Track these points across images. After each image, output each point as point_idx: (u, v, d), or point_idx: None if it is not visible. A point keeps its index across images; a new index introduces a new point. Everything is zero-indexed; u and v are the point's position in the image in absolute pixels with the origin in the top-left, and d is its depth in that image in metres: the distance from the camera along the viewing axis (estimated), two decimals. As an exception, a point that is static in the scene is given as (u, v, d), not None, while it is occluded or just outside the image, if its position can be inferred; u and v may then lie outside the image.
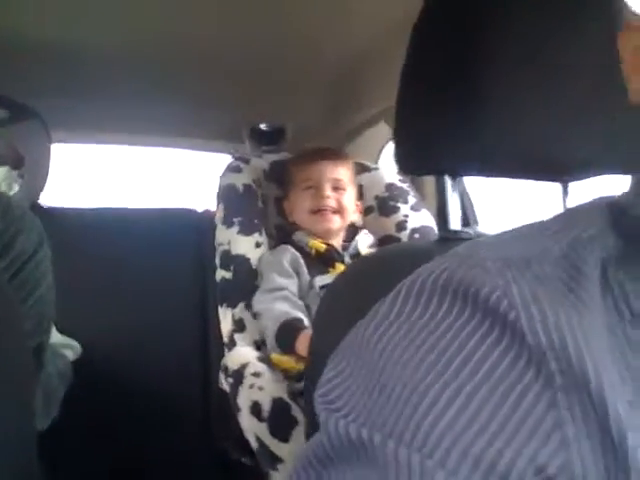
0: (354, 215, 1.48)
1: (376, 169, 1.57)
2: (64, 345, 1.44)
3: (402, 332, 0.37)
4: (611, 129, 0.63)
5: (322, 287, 1.33)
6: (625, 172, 0.66)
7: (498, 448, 0.31)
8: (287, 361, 1.23)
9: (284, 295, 1.31)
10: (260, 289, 1.35)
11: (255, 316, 1.33)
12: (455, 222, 0.75)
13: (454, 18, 0.64)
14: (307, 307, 1.32)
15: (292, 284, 1.35)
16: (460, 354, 0.34)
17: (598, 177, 0.72)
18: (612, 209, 0.41)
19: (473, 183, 1.61)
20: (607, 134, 0.64)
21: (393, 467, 0.32)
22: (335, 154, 1.50)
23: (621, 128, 0.62)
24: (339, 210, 1.43)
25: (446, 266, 0.38)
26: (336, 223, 1.43)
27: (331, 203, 1.42)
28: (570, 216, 0.43)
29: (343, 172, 1.47)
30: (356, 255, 1.39)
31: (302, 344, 1.18)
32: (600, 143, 0.65)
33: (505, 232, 0.44)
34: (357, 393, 0.36)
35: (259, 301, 1.33)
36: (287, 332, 1.24)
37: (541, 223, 0.43)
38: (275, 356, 1.24)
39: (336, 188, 1.44)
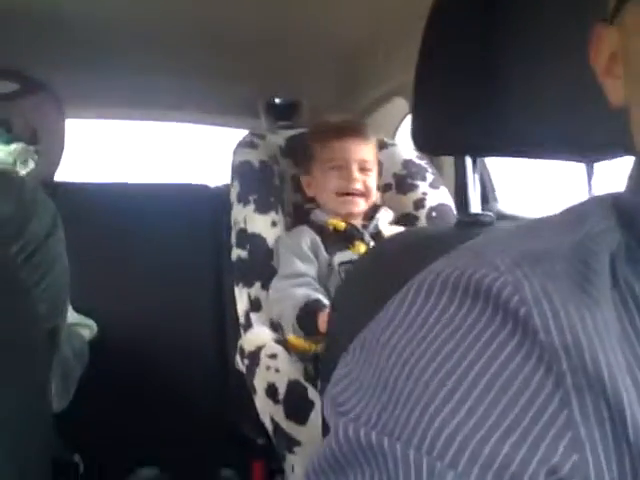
0: (377, 194, 1.45)
1: (393, 145, 1.54)
2: (80, 324, 1.44)
3: (411, 332, 0.37)
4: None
5: (341, 264, 1.31)
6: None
7: (510, 448, 0.31)
8: (304, 343, 1.22)
9: (305, 282, 1.29)
10: (279, 274, 1.32)
11: (273, 302, 1.31)
12: (475, 204, 0.73)
13: None
14: (327, 290, 1.29)
15: (312, 269, 1.32)
16: (470, 352, 0.34)
17: (623, 157, 0.70)
18: (616, 205, 0.41)
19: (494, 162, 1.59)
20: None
21: (402, 470, 0.31)
22: (361, 131, 1.43)
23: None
24: (365, 193, 1.39)
25: (456, 264, 0.38)
26: (361, 206, 1.39)
27: (358, 186, 1.38)
28: (579, 211, 0.42)
29: (369, 151, 1.42)
30: (377, 233, 1.37)
31: (323, 321, 1.16)
32: (621, 124, 0.63)
33: (515, 227, 0.44)
34: (366, 395, 0.36)
35: (278, 288, 1.30)
36: (309, 313, 1.22)
37: (551, 218, 0.43)
38: (292, 338, 1.23)
39: (363, 169, 1.39)
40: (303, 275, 1.30)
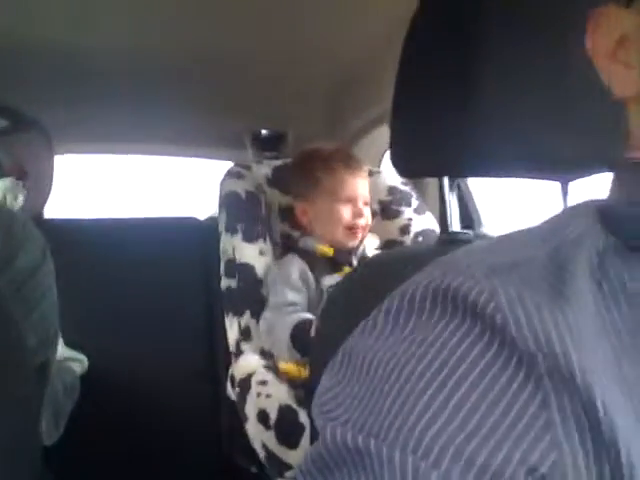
0: None
1: (378, 172, 1.57)
2: (71, 359, 1.44)
3: (395, 341, 0.38)
4: (605, 126, 0.63)
5: (330, 287, 1.32)
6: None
7: (491, 449, 0.32)
8: (294, 369, 1.22)
9: (295, 310, 1.30)
10: (270, 304, 1.33)
11: (264, 333, 1.31)
12: (455, 223, 0.75)
13: (449, 20, 0.64)
14: None
15: (302, 298, 1.34)
16: (451, 359, 0.35)
17: (597, 175, 0.72)
18: (601, 212, 0.42)
19: (478, 185, 1.61)
20: (602, 132, 0.64)
21: (387, 471, 0.32)
22: (362, 167, 1.48)
23: (610, 125, 0.62)
24: (365, 228, 1.44)
25: (434, 276, 0.39)
26: (359, 239, 1.43)
27: (363, 222, 1.42)
28: (557, 221, 0.44)
29: (368, 187, 1.47)
30: (363, 259, 1.39)
31: None
32: (598, 141, 0.65)
33: (494, 239, 0.45)
34: (354, 402, 0.37)
35: (268, 319, 1.32)
36: (302, 332, 1.23)
37: (530, 230, 0.44)
38: (282, 364, 1.24)
39: (365, 203, 1.44)
40: (294, 304, 1.31)
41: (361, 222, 1.41)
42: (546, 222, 0.44)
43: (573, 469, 0.31)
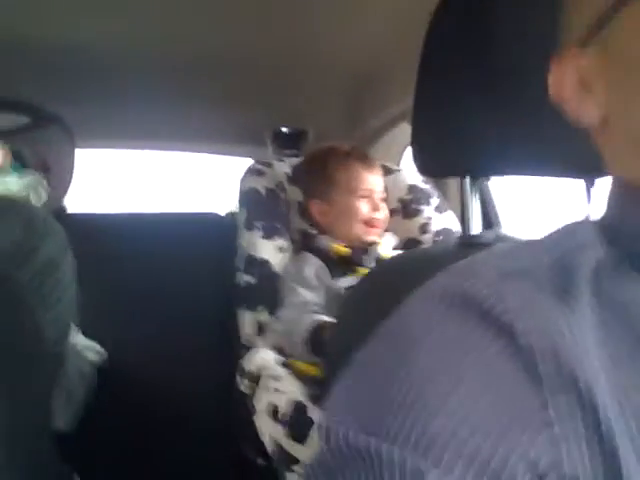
0: None
1: (398, 171, 1.56)
2: (87, 347, 1.45)
3: (401, 344, 0.39)
4: None
5: (347, 289, 1.31)
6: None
7: (491, 447, 0.33)
8: (309, 368, 1.22)
9: (311, 309, 1.30)
10: (286, 303, 1.33)
11: (281, 333, 1.32)
12: (476, 225, 0.74)
13: (471, 16, 0.63)
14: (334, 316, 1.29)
15: (318, 297, 1.34)
16: (453, 357, 0.36)
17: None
18: (600, 223, 0.45)
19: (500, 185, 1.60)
20: None
21: (388, 469, 0.33)
22: (376, 164, 1.49)
23: None
24: (384, 222, 1.44)
25: (445, 282, 0.41)
26: (379, 235, 1.44)
27: (380, 216, 1.43)
28: (563, 232, 0.46)
29: (382, 184, 1.47)
30: (379, 258, 1.38)
31: None
32: None
33: (506, 247, 0.47)
34: (359, 405, 0.38)
35: (284, 319, 1.32)
36: (318, 334, 1.22)
37: (538, 239, 0.46)
38: (298, 362, 1.23)
39: (381, 199, 1.45)
40: (308, 304, 1.31)
41: (379, 216, 1.42)
42: (555, 232, 0.46)
43: (570, 465, 0.32)
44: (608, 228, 0.43)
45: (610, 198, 0.45)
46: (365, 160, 1.46)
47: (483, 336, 0.36)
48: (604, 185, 0.73)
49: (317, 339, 1.21)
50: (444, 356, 0.36)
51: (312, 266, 1.36)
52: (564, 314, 0.37)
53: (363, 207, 1.42)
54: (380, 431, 0.35)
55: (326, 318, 1.26)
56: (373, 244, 1.41)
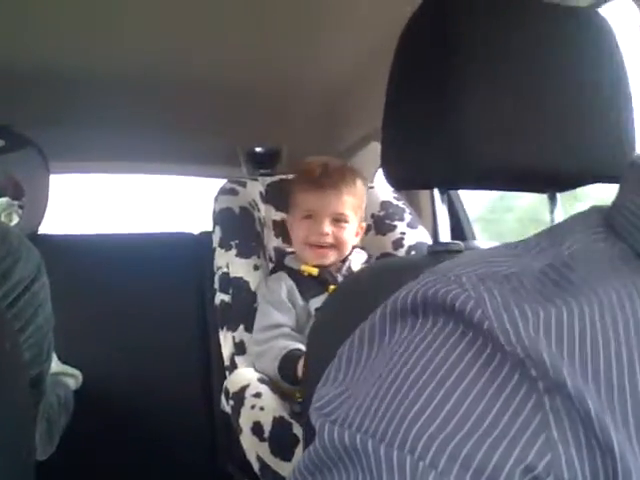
0: (355, 241, 1.42)
1: (371, 187, 1.58)
2: (65, 374, 1.44)
3: (389, 348, 0.39)
4: (587, 140, 0.65)
5: (317, 309, 1.32)
6: (607, 181, 0.68)
7: (487, 449, 0.32)
8: (287, 388, 1.22)
9: (283, 332, 1.29)
10: (257, 326, 1.33)
11: (253, 357, 1.31)
12: (445, 235, 0.76)
13: (433, 38, 0.65)
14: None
15: (290, 319, 1.32)
16: (446, 363, 0.36)
17: (583, 187, 0.73)
18: (609, 219, 0.44)
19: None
20: (587, 146, 0.65)
21: (385, 470, 0.33)
22: (341, 180, 1.37)
23: (591, 140, 0.64)
24: (336, 245, 1.36)
25: (424, 284, 0.40)
26: (331, 258, 1.37)
27: (328, 240, 1.35)
28: (554, 233, 0.45)
29: (348, 201, 1.37)
30: (349, 275, 1.38)
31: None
32: (583, 155, 0.66)
33: (489, 249, 0.46)
34: (353, 405, 0.37)
35: (258, 341, 1.30)
36: (288, 363, 1.22)
37: (527, 241, 0.45)
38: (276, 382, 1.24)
39: (337, 221, 1.36)
40: (281, 326, 1.30)
41: (326, 240, 1.35)
42: (547, 231, 0.46)
43: (567, 469, 0.32)
44: (621, 224, 0.42)
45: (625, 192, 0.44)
46: (321, 180, 1.36)
47: (470, 343, 0.36)
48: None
49: (287, 368, 1.21)
50: (434, 366, 0.36)
51: (284, 286, 1.35)
52: (549, 314, 0.36)
53: (303, 229, 1.37)
54: (376, 432, 0.34)
55: (297, 345, 1.26)
56: (327, 266, 1.37)
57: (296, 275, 1.38)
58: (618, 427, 0.33)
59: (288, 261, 1.43)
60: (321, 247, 1.36)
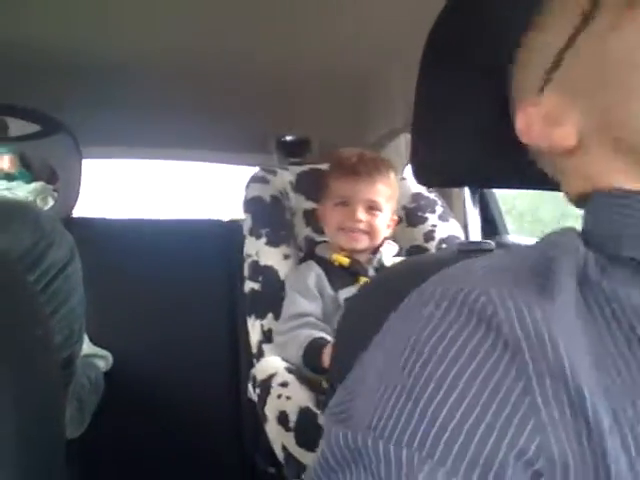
0: (387, 232, 1.43)
1: (403, 179, 1.57)
2: (96, 355, 1.46)
3: (395, 343, 0.41)
4: None
5: (346, 300, 1.31)
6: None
7: (480, 436, 0.34)
8: (314, 376, 1.22)
9: (308, 322, 1.29)
10: (283, 315, 1.33)
11: (278, 346, 1.32)
12: (476, 233, 0.75)
13: (468, 29, 0.64)
14: (334, 328, 1.28)
15: (317, 307, 1.33)
16: (448, 354, 0.37)
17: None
18: (584, 235, 0.47)
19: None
20: None
21: (384, 464, 0.34)
22: (375, 170, 1.40)
23: None
24: (369, 232, 1.38)
25: (435, 282, 0.43)
26: (364, 243, 1.39)
27: (361, 226, 1.37)
28: (546, 239, 0.48)
29: (382, 190, 1.39)
30: (380, 267, 1.38)
31: (327, 356, 1.17)
32: None
33: (495, 253, 0.51)
34: (361, 407, 0.39)
35: (282, 331, 1.31)
36: (312, 351, 1.22)
37: (526, 245, 0.50)
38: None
39: (371, 208, 1.38)
40: (307, 315, 1.30)
41: (359, 226, 1.37)
42: (543, 240, 0.49)
43: (558, 450, 0.33)
44: (592, 239, 0.45)
45: (589, 216, 0.48)
46: (356, 168, 1.39)
47: (474, 332, 0.38)
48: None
49: (312, 356, 1.22)
50: (440, 356, 0.37)
51: (313, 275, 1.36)
52: (548, 305, 0.38)
53: (337, 215, 1.39)
54: (384, 433, 0.36)
55: (321, 334, 1.26)
56: (361, 252, 1.39)
57: (326, 264, 1.38)
58: (610, 415, 0.34)
59: (319, 250, 1.43)
60: (355, 231, 1.38)
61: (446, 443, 0.34)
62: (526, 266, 0.43)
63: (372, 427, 0.36)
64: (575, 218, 0.53)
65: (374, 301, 0.71)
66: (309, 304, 1.32)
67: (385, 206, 1.40)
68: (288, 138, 1.96)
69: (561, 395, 0.34)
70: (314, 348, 1.22)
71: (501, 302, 0.38)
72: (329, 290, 1.35)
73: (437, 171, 0.72)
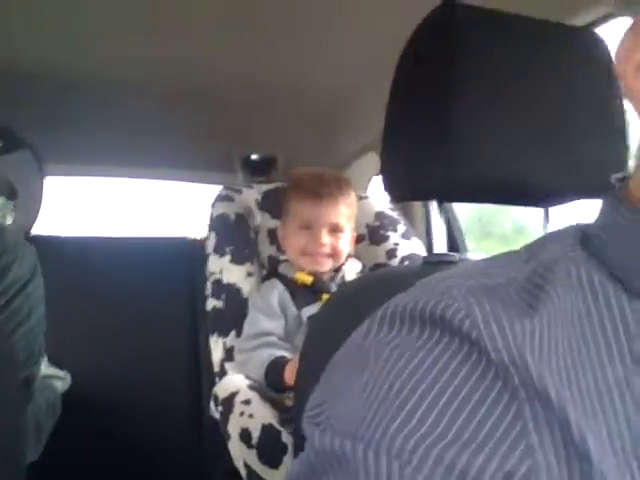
0: (348, 249, 1.43)
1: (366, 198, 1.59)
2: (54, 377, 1.43)
3: (378, 353, 0.40)
4: (581, 157, 0.66)
5: (309, 318, 1.32)
6: (594, 196, 0.70)
7: (469, 455, 0.33)
8: (277, 396, 1.22)
9: (269, 341, 1.29)
10: (244, 333, 1.33)
11: (239, 365, 1.31)
12: (440, 246, 0.76)
13: (434, 53, 0.66)
14: (295, 347, 1.29)
15: (278, 326, 1.32)
16: (432, 371, 0.37)
17: (576, 202, 0.74)
18: (584, 237, 0.45)
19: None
20: (579, 162, 0.66)
21: (373, 475, 0.34)
22: (338, 191, 1.39)
23: (585, 156, 0.65)
24: (333, 254, 1.38)
25: (414, 296, 0.41)
26: (327, 266, 1.39)
27: (325, 249, 1.37)
28: (540, 244, 0.46)
29: (344, 212, 1.40)
30: (343, 285, 1.38)
31: (289, 374, 1.18)
32: (575, 170, 0.68)
33: (479, 261, 0.47)
34: (342, 411, 0.38)
35: (243, 349, 1.31)
36: (274, 369, 1.22)
37: (509, 253, 0.47)
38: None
39: (334, 231, 1.38)
40: (268, 334, 1.30)
41: (324, 250, 1.37)
42: (527, 246, 0.47)
43: (547, 473, 0.33)
44: (594, 242, 0.43)
45: (601, 216, 0.45)
46: (318, 190, 1.38)
47: (456, 351, 0.37)
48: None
49: (273, 376, 1.22)
50: (420, 372, 0.37)
51: (276, 293, 1.35)
52: (534, 323, 0.37)
53: (300, 238, 1.38)
54: (364, 438, 0.35)
55: (282, 353, 1.26)
56: (322, 273, 1.38)
57: (289, 283, 1.38)
58: (595, 434, 0.34)
59: (282, 269, 1.43)
60: (318, 255, 1.38)
61: (435, 460, 0.33)
62: (515, 281, 0.41)
63: (356, 433, 0.35)
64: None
65: (337, 316, 0.71)
66: (270, 323, 1.31)
67: (347, 226, 1.41)
68: (253, 157, 1.96)
69: (552, 419, 0.34)
70: (276, 366, 1.22)
71: (485, 325, 0.37)
72: (292, 308, 1.35)
73: (406, 186, 0.74)
